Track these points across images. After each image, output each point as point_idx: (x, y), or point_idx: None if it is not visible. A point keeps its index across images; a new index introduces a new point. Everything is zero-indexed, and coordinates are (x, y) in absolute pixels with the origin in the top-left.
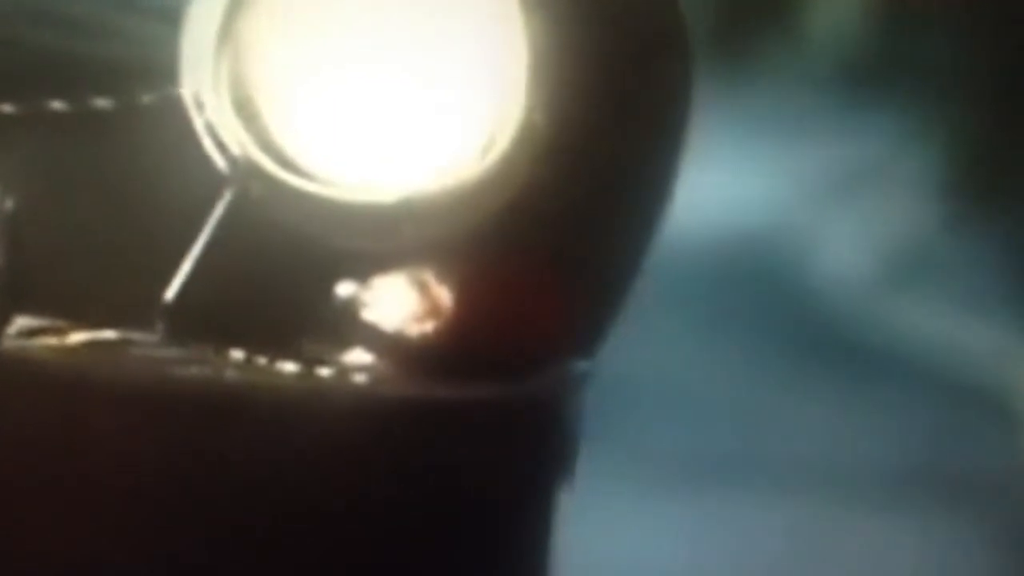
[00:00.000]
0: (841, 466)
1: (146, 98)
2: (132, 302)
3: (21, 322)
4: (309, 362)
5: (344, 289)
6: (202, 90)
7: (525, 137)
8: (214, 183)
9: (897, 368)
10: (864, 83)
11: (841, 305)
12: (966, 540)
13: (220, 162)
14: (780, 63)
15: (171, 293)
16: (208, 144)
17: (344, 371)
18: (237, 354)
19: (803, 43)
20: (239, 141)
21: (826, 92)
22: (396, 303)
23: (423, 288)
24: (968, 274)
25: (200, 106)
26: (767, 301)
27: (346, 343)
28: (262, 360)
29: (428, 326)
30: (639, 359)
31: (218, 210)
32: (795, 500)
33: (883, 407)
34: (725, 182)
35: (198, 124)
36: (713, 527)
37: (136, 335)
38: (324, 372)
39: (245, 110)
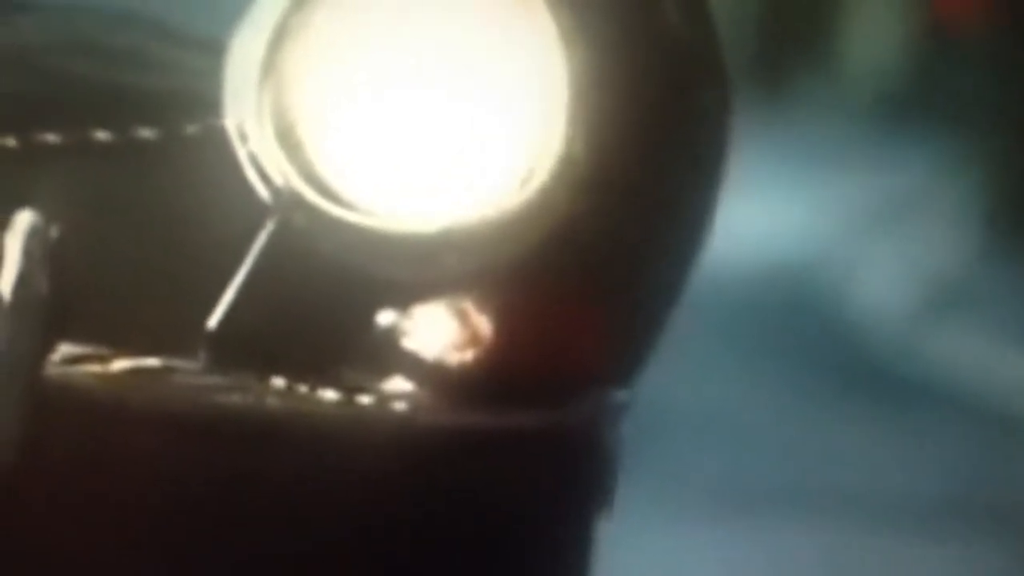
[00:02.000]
0: (879, 495)
1: (190, 129)
2: (175, 330)
3: (65, 349)
4: (350, 390)
5: (385, 318)
6: (245, 121)
7: (565, 168)
8: (257, 213)
9: (936, 398)
10: (903, 114)
11: (880, 335)
12: (1005, 570)
13: (263, 192)
14: (819, 93)
15: (214, 321)
16: (251, 174)
17: (384, 399)
18: (279, 382)
19: (842, 73)
20: (282, 171)
21: (865, 122)
22: (436, 332)
23: (463, 317)
24: (1007, 304)
25: (243, 137)
26: (805, 331)
27: (386, 371)
28: (303, 388)
29: (468, 355)
30: (677, 388)
31: (261, 239)
32: (832, 528)
33: (922, 436)
34: (764, 212)
35: (241, 154)
36: (749, 555)
37: (179, 363)
38: (364, 400)
39: (288, 141)
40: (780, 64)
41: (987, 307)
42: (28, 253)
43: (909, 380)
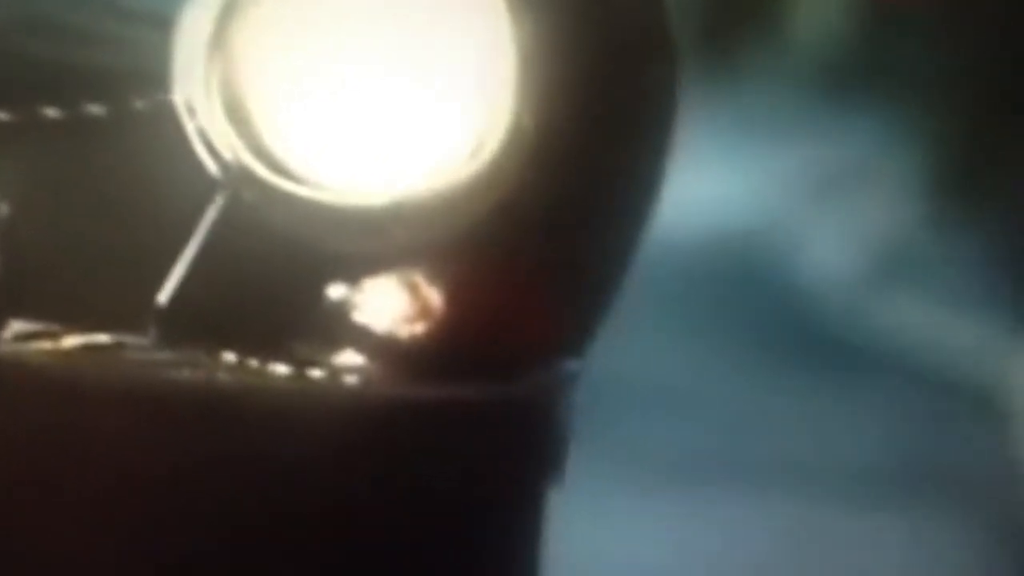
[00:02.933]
0: (828, 464)
1: (138, 104)
2: (125, 306)
3: (16, 326)
4: (301, 364)
5: (335, 291)
6: (194, 96)
7: (513, 140)
8: (206, 188)
9: (882, 366)
10: (848, 84)
11: (827, 303)
12: (953, 538)
13: (212, 167)
14: (765, 64)
15: (164, 297)
16: (200, 149)
17: (335, 372)
18: (229, 357)
19: (788, 44)
20: (231, 146)
21: (810, 93)
22: (387, 305)
23: (413, 290)
24: (952, 271)
25: (192, 112)
26: (753, 300)
27: (337, 345)
28: (254, 362)
29: (418, 327)
30: (627, 359)
31: (210, 214)
32: (782, 498)
33: (869, 405)
34: (711, 182)
35: (190, 129)
36: (700, 526)
37: (129, 339)
38: (316, 374)
39: (236, 115)
40: (727, 34)
41: (933, 274)
42: None
43: (857, 348)
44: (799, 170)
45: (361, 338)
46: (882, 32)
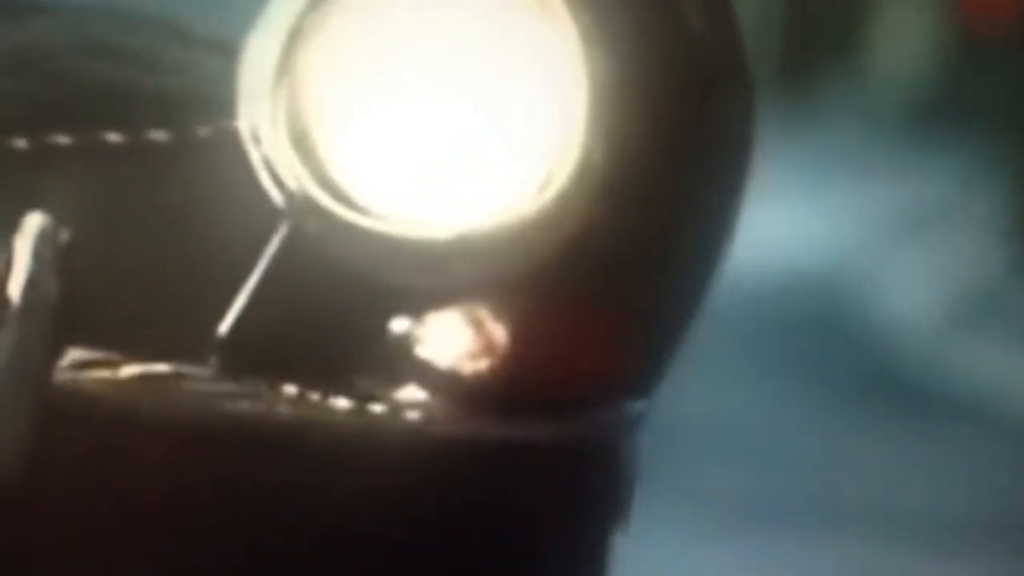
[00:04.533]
0: (902, 509)
1: (202, 131)
2: (185, 336)
3: (74, 354)
4: (362, 398)
5: (398, 325)
6: (259, 124)
7: (583, 175)
8: (269, 217)
9: (961, 411)
10: (931, 123)
11: (904, 346)
12: None
13: (276, 196)
14: (845, 98)
15: (225, 327)
16: (264, 178)
17: (397, 408)
18: (290, 389)
19: (869, 78)
20: (295, 175)
21: (893, 131)
22: (450, 340)
23: (478, 325)
24: None
25: (256, 140)
26: (829, 342)
27: (399, 379)
28: (315, 396)
29: (482, 364)
30: (696, 399)
31: (273, 244)
32: (852, 544)
33: (945, 451)
34: (788, 220)
35: (254, 158)
36: (768, 571)
37: (189, 369)
38: (377, 408)
39: (301, 144)
40: (806, 68)
41: (1014, 320)
42: (38, 256)
43: (933, 393)
44: (878, 209)
45: (423, 373)
46: (968, 68)
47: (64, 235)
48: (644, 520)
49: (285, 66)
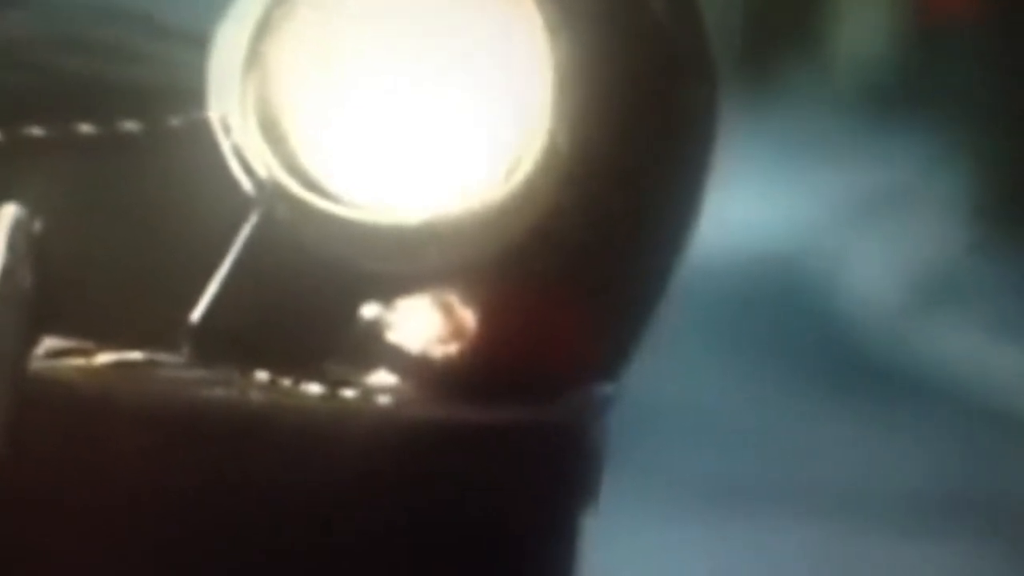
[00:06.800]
0: (867, 491)
1: (173, 121)
2: (158, 323)
3: (48, 343)
4: (333, 384)
5: (369, 311)
6: (229, 113)
7: (549, 160)
8: (240, 205)
9: (924, 392)
10: (892, 106)
11: (868, 328)
12: (996, 566)
13: (246, 185)
14: (807, 86)
15: (197, 315)
16: (235, 167)
17: (368, 393)
18: (262, 375)
19: (831, 66)
20: (265, 164)
21: (853, 115)
22: (420, 325)
23: (447, 310)
24: (996, 297)
25: (227, 129)
26: (793, 324)
27: (370, 365)
28: (287, 382)
29: (452, 348)
30: (664, 382)
31: (244, 232)
32: (820, 525)
33: (910, 431)
34: (752, 204)
35: (225, 147)
36: (737, 552)
37: (162, 356)
38: (348, 394)
39: (271, 133)
40: (768, 55)
41: (977, 300)
42: (12, 246)
43: (898, 374)
44: (841, 193)
45: (394, 358)
46: (926, 53)
47: (38, 225)
48: (616, 502)
49: (254, 57)
